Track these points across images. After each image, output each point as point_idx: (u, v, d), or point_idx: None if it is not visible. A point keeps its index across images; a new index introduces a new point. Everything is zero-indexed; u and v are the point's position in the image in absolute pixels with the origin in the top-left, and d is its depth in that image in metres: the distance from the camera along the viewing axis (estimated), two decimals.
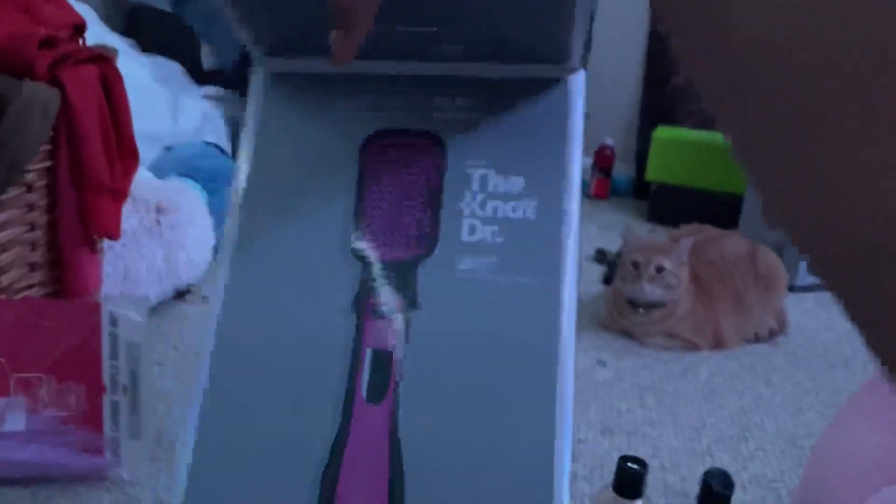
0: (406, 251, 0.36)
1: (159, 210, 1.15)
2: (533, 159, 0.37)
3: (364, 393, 0.34)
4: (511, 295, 0.35)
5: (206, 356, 0.36)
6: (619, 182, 2.41)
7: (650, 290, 1.26)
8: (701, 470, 0.96)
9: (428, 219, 0.36)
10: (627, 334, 1.34)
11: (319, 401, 0.34)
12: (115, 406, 0.80)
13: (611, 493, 0.63)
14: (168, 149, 1.49)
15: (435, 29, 0.35)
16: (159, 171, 1.38)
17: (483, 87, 0.38)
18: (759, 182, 0.18)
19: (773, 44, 0.15)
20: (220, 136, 1.67)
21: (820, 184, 0.16)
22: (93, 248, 0.84)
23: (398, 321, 0.35)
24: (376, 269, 0.36)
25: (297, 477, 0.33)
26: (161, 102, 1.54)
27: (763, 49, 0.16)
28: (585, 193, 2.35)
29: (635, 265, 1.27)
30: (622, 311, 1.33)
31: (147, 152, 1.50)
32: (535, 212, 0.36)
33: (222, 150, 1.58)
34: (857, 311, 0.17)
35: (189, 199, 1.22)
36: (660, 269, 1.25)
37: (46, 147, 0.77)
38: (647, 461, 0.64)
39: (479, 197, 0.36)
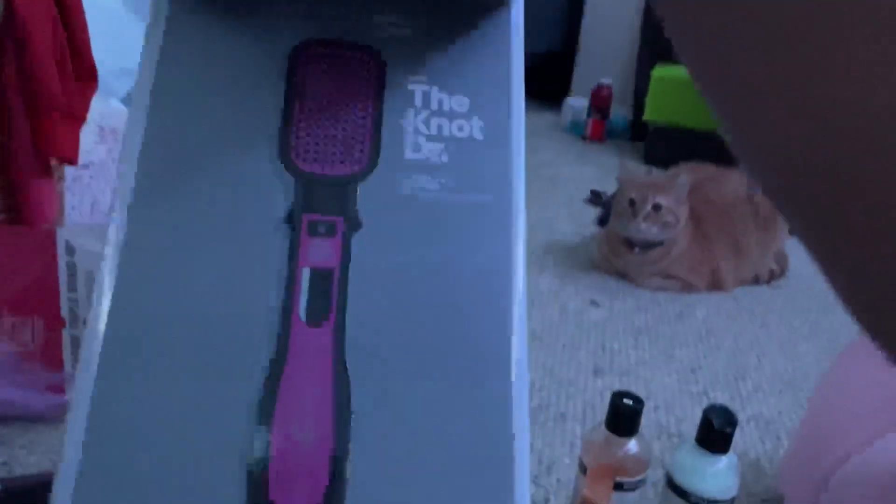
0: (344, 167, 0.33)
1: None
2: (477, 80, 0.36)
3: (303, 314, 0.31)
4: (459, 214, 0.33)
5: (112, 276, 0.31)
6: (616, 123, 2.34)
7: (646, 229, 1.20)
8: (697, 411, 0.92)
9: (368, 134, 0.34)
10: (622, 275, 1.30)
11: (251, 322, 0.31)
12: (75, 341, 0.75)
13: (604, 431, 0.58)
14: None
15: None
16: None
17: (424, 8, 0.37)
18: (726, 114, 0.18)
19: None
20: None
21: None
22: (48, 172, 0.78)
23: (339, 239, 0.33)
24: (312, 184, 0.33)
25: (230, 405, 0.30)
26: (136, 34, 1.46)
27: None
28: (581, 135, 2.28)
29: (631, 203, 1.22)
30: (617, 251, 1.28)
31: (121, 85, 1.42)
32: (481, 132, 0.35)
33: None
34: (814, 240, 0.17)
35: None
36: (657, 208, 1.20)
37: None
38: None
39: (423, 114, 0.35)
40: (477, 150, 0.35)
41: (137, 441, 0.29)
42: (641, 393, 0.94)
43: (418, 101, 0.35)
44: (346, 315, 0.32)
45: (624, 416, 0.57)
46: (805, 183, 0.17)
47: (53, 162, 0.81)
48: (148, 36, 0.35)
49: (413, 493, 0.30)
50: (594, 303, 1.20)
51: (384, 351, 0.31)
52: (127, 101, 1.36)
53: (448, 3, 0.37)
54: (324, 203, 0.33)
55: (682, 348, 1.07)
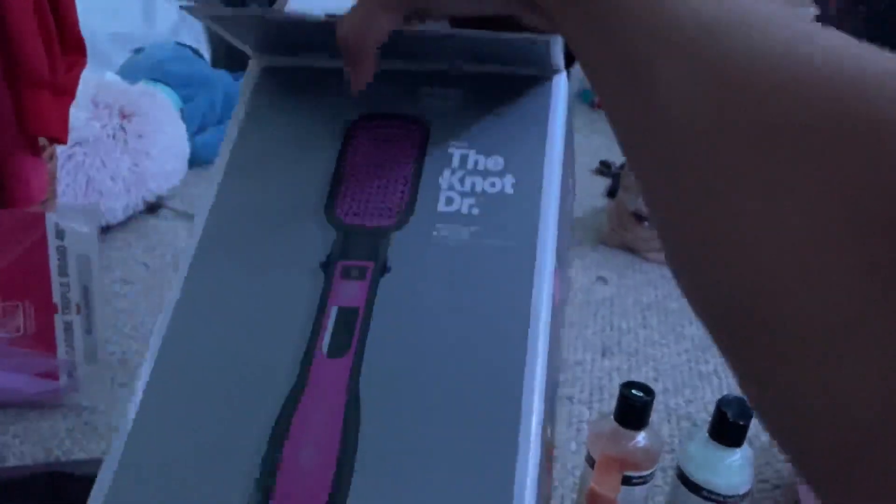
0: (380, 220, 0.37)
1: (124, 115, 1.06)
2: (514, 143, 0.39)
3: (325, 349, 0.34)
4: (484, 258, 0.36)
5: (171, 303, 0.36)
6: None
7: None
8: (707, 392, 0.90)
9: (405, 192, 0.38)
10: (630, 250, 1.27)
11: (279, 354, 0.34)
12: (67, 326, 0.73)
13: (612, 424, 0.56)
14: (138, 51, 1.38)
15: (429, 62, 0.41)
16: (128, 75, 1.28)
17: (470, 80, 0.41)
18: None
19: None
20: (198, 39, 1.56)
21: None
22: (34, 151, 0.75)
23: (367, 282, 0.36)
24: (349, 235, 0.37)
25: (248, 424, 0.33)
26: (131, 0, 1.42)
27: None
28: (589, 103, 2.23)
29: None
30: (626, 224, 1.25)
31: (115, 55, 1.39)
32: (512, 187, 0.37)
33: (198, 54, 1.46)
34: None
35: (158, 104, 1.13)
36: None
37: None
38: (650, 386, 0.57)
39: (459, 173, 0.38)
40: (507, 202, 0.37)
41: (168, 454, 0.32)
42: (650, 374, 0.92)
43: (456, 162, 0.38)
44: (366, 350, 0.34)
45: (633, 409, 0.55)
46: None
47: (41, 141, 0.78)
48: (237, 106, 0.42)
49: None
50: (602, 279, 1.17)
51: (397, 385, 0.33)
52: (123, 72, 1.32)
53: (492, 75, 0.41)
54: (358, 250, 0.36)
55: (693, 326, 1.04)
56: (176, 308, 0.36)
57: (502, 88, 0.41)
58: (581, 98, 2.30)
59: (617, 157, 1.67)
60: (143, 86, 1.17)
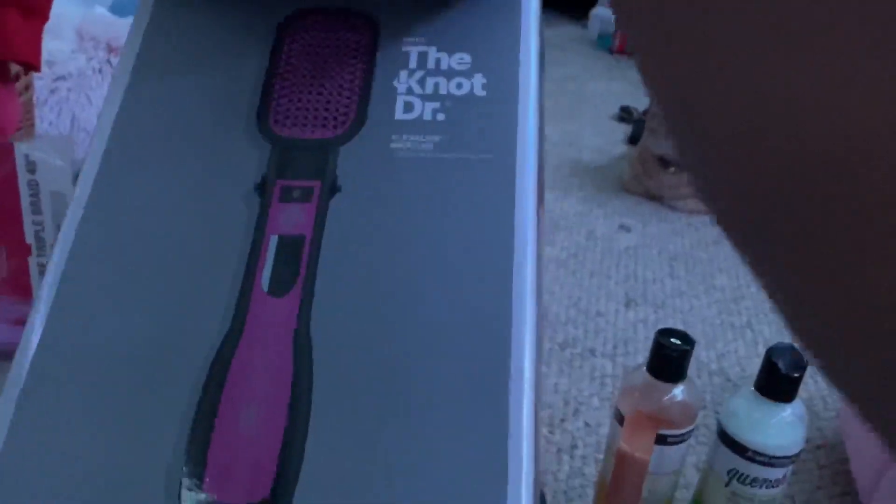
0: (324, 130, 0.32)
1: (111, 49, 0.98)
2: (482, 37, 0.34)
3: (265, 285, 0.29)
4: (453, 173, 0.30)
5: (68, 231, 0.30)
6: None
7: None
8: (740, 346, 0.83)
9: (353, 97, 0.33)
10: (655, 198, 1.19)
11: (209, 294, 0.29)
12: (43, 269, 0.66)
13: (645, 375, 0.49)
14: None
15: None
16: (119, 10, 1.20)
17: None
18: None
19: None
20: None
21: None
22: (4, 77, 0.68)
23: (313, 204, 0.30)
24: (287, 149, 0.32)
25: (174, 379, 0.27)
26: None
27: None
28: (608, 49, 2.14)
29: None
30: (650, 171, 1.17)
31: None
32: (483, 88, 0.32)
33: None
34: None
35: None
36: None
37: None
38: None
39: (418, 74, 0.33)
40: (478, 107, 0.32)
41: (77, 413, 0.26)
42: (679, 326, 0.85)
43: (413, 62, 0.34)
44: (317, 284, 0.28)
45: (669, 359, 0.48)
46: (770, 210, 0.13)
47: (14, 68, 0.71)
48: (138, 5, 0.35)
49: (373, 486, 0.25)
50: (624, 227, 1.10)
51: (356, 327, 0.27)
52: (114, 8, 1.25)
53: None
54: (300, 168, 0.31)
55: (723, 276, 0.97)
56: (77, 237, 0.30)
57: None
58: (600, 44, 2.20)
59: (639, 103, 1.58)
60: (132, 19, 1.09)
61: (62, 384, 0.27)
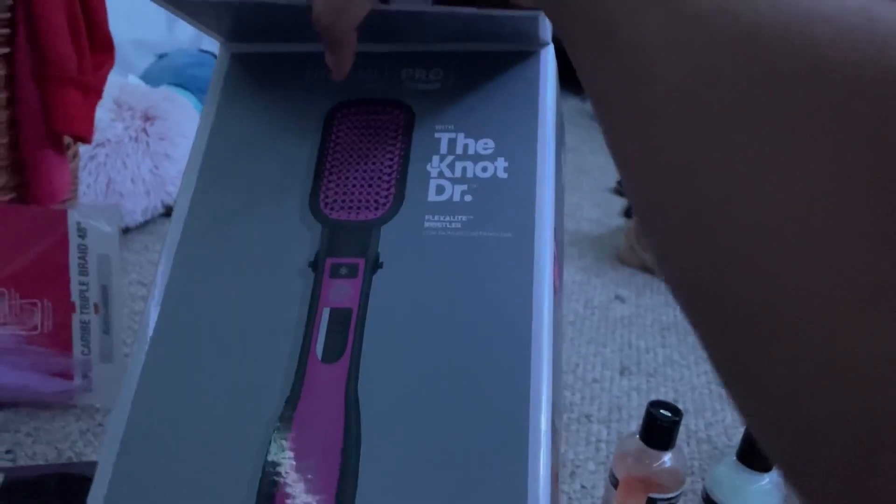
0: (367, 213, 0.35)
1: (146, 118, 1.06)
2: (504, 124, 0.37)
3: (319, 353, 0.33)
4: (480, 250, 0.34)
5: (154, 308, 0.35)
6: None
7: None
8: (727, 415, 0.88)
9: (392, 181, 0.36)
10: (648, 270, 1.25)
11: (272, 362, 0.33)
12: (85, 326, 0.72)
13: (638, 443, 0.55)
14: (161, 57, 1.39)
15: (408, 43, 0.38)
16: (151, 79, 1.28)
17: (453, 59, 0.39)
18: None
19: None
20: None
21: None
22: (59, 148, 0.75)
23: (359, 280, 0.34)
24: (336, 230, 0.35)
25: (243, 439, 0.31)
26: (154, 7, 1.43)
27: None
28: None
29: None
30: (644, 244, 1.24)
31: (138, 60, 1.39)
32: (505, 171, 0.35)
33: None
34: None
35: (180, 107, 1.12)
36: None
37: (3, 30, 0.67)
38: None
39: (448, 159, 0.36)
40: (501, 189, 0.35)
41: (162, 469, 0.31)
42: (670, 395, 0.90)
43: (444, 147, 0.36)
44: (363, 352, 0.32)
45: (660, 429, 0.54)
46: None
47: (66, 139, 0.78)
48: (208, 94, 0.39)
49: None
50: (619, 298, 1.16)
51: (398, 388, 0.31)
52: (146, 77, 1.33)
53: (476, 53, 0.38)
54: (346, 246, 0.34)
55: None
56: (161, 314, 0.34)
57: (487, 66, 0.38)
58: None
59: None
60: (165, 90, 1.17)
61: (154, 441, 0.32)
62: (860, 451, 0.15)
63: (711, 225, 0.17)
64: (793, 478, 0.17)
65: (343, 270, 0.34)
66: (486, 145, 0.36)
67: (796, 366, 0.16)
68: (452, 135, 0.37)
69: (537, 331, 0.31)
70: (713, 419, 0.86)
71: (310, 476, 0.30)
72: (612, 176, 1.70)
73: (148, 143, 1.04)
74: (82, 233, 0.69)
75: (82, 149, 0.97)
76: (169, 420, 0.32)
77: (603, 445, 0.79)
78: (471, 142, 0.36)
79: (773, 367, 0.16)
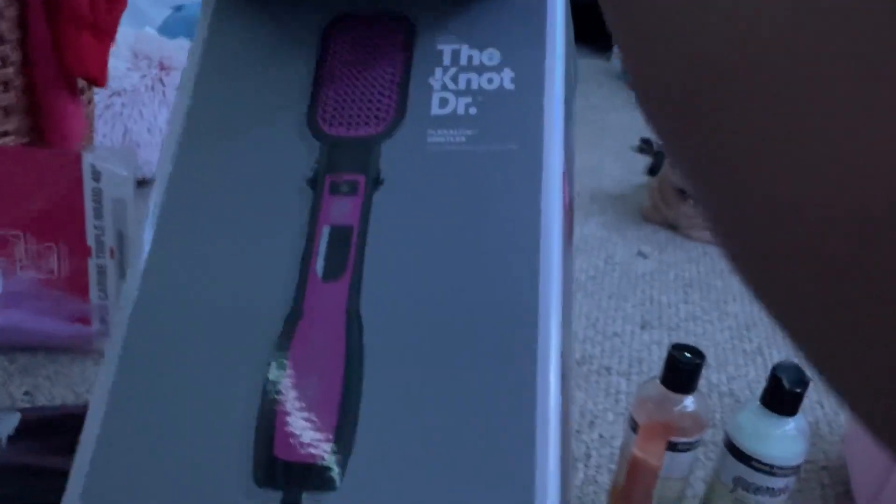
0: (368, 128, 0.34)
1: (162, 67, 1.05)
2: (510, 33, 0.35)
3: (319, 271, 0.32)
4: (485, 164, 0.33)
5: (149, 230, 0.34)
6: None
7: None
8: (751, 370, 0.87)
9: (393, 95, 0.35)
10: (672, 227, 1.23)
11: (271, 280, 0.32)
12: (101, 270, 0.72)
13: (659, 387, 0.54)
14: (178, 9, 1.37)
15: None
16: (167, 31, 1.27)
17: None
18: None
19: None
20: None
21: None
22: (73, 91, 0.74)
23: (360, 196, 0.33)
24: (335, 146, 0.34)
25: (242, 357, 0.31)
26: None
27: None
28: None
29: None
30: (669, 201, 1.22)
31: (154, 12, 1.38)
32: (511, 82, 0.34)
33: None
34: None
35: None
36: None
37: None
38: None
39: (452, 71, 0.35)
40: (508, 100, 0.34)
41: (159, 390, 0.30)
42: None
43: (447, 59, 0.35)
44: (364, 270, 0.31)
45: (682, 371, 0.52)
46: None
47: (80, 84, 0.77)
48: (200, 13, 0.38)
49: (423, 456, 0.28)
50: (642, 254, 1.14)
51: (400, 307, 0.30)
52: (162, 29, 1.31)
53: None
54: (346, 163, 0.34)
55: (736, 304, 1.01)
56: (156, 235, 0.33)
57: None
58: (622, 77, 2.26)
59: None
60: (182, 41, 1.16)
61: (152, 350, 0.31)
62: (853, 244, 0.13)
63: None
64: (768, 289, 0.16)
65: (343, 188, 0.34)
66: (491, 56, 0.35)
67: (796, 148, 0.14)
68: (456, 46, 0.35)
69: (546, 245, 0.30)
70: (735, 373, 0.85)
71: (311, 395, 0.30)
72: (634, 135, 1.67)
73: (164, 93, 1.03)
74: (97, 176, 0.69)
75: (98, 97, 0.96)
76: (166, 341, 0.31)
77: (622, 397, 0.78)
78: (475, 53, 0.35)
79: (767, 156, 0.15)
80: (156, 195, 0.34)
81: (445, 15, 0.36)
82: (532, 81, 0.34)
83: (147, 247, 0.33)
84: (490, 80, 0.34)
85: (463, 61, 0.35)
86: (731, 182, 0.15)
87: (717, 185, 0.16)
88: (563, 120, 0.34)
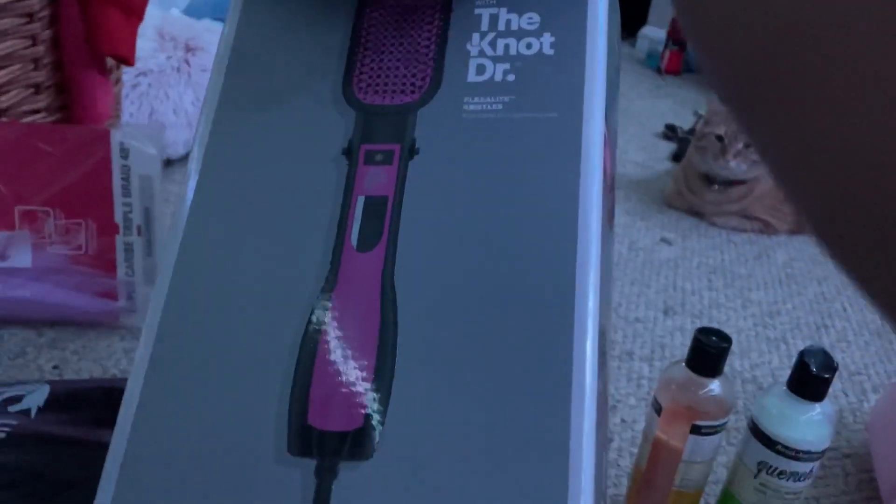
0: (403, 96, 0.34)
1: (189, 49, 1.05)
2: None
3: (354, 242, 0.32)
4: (523, 132, 0.32)
5: (185, 206, 0.34)
6: (695, 56, 2.21)
7: (736, 166, 1.12)
8: (774, 358, 0.86)
9: (429, 62, 0.34)
10: (696, 213, 1.22)
11: (305, 251, 0.32)
12: (128, 247, 0.72)
13: (684, 370, 0.53)
14: None
15: None
16: (193, 13, 1.27)
17: None
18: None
19: None
20: None
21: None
22: (102, 69, 0.75)
23: (394, 167, 0.33)
24: (371, 115, 0.34)
25: (278, 326, 0.31)
26: None
27: None
28: (657, 68, 2.16)
29: (720, 139, 1.13)
30: (693, 187, 1.20)
31: None
32: (551, 47, 0.33)
33: None
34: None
35: None
36: (748, 144, 1.11)
37: None
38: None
39: (489, 36, 0.34)
40: (547, 66, 0.33)
41: (196, 358, 0.31)
42: None
43: (485, 24, 0.34)
44: (399, 241, 0.31)
45: (708, 355, 0.52)
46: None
47: (109, 62, 0.78)
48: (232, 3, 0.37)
49: (454, 429, 0.28)
50: (665, 240, 1.13)
51: (436, 276, 0.30)
52: (188, 11, 1.32)
53: None
54: (381, 132, 0.33)
55: (760, 291, 1.00)
56: (193, 203, 0.33)
57: None
58: (648, 62, 2.23)
59: (683, 122, 1.61)
60: (207, 22, 1.16)
61: (188, 324, 0.31)
62: None
63: None
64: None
65: (378, 157, 0.33)
66: (530, 20, 0.34)
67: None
68: (494, 10, 0.34)
69: (584, 218, 0.30)
70: (759, 360, 0.84)
71: (345, 366, 0.30)
72: (658, 121, 1.66)
73: (190, 74, 1.03)
74: (125, 153, 0.69)
75: (125, 77, 0.97)
76: (202, 310, 0.32)
77: (644, 382, 0.78)
78: (514, 17, 0.34)
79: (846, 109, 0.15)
80: (193, 165, 0.34)
81: None
82: (573, 47, 0.33)
83: (185, 217, 0.33)
84: (529, 45, 0.33)
85: (501, 26, 0.34)
86: (813, 131, 0.15)
87: (797, 139, 0.16)
88: (605, 89, 0.32)
